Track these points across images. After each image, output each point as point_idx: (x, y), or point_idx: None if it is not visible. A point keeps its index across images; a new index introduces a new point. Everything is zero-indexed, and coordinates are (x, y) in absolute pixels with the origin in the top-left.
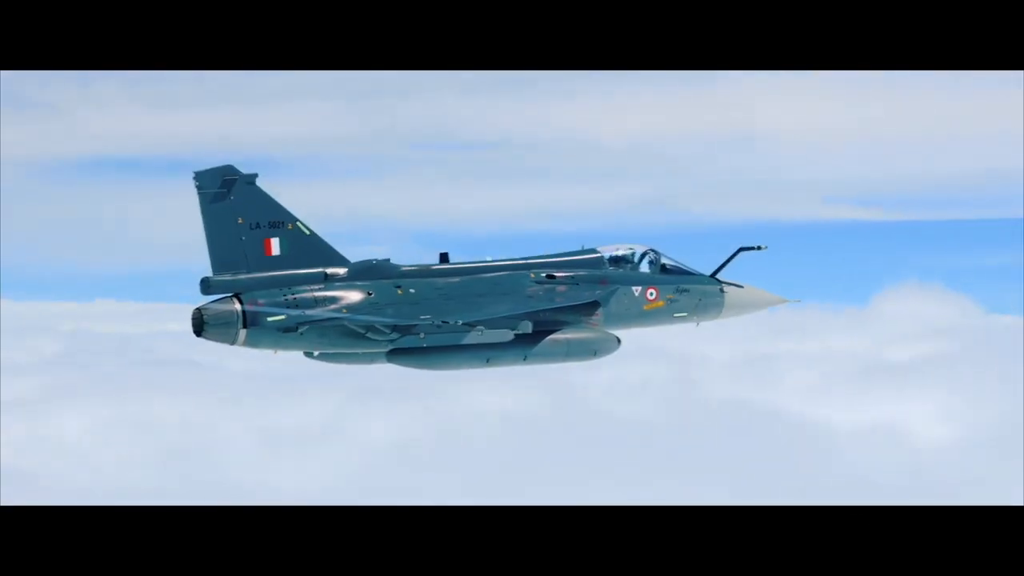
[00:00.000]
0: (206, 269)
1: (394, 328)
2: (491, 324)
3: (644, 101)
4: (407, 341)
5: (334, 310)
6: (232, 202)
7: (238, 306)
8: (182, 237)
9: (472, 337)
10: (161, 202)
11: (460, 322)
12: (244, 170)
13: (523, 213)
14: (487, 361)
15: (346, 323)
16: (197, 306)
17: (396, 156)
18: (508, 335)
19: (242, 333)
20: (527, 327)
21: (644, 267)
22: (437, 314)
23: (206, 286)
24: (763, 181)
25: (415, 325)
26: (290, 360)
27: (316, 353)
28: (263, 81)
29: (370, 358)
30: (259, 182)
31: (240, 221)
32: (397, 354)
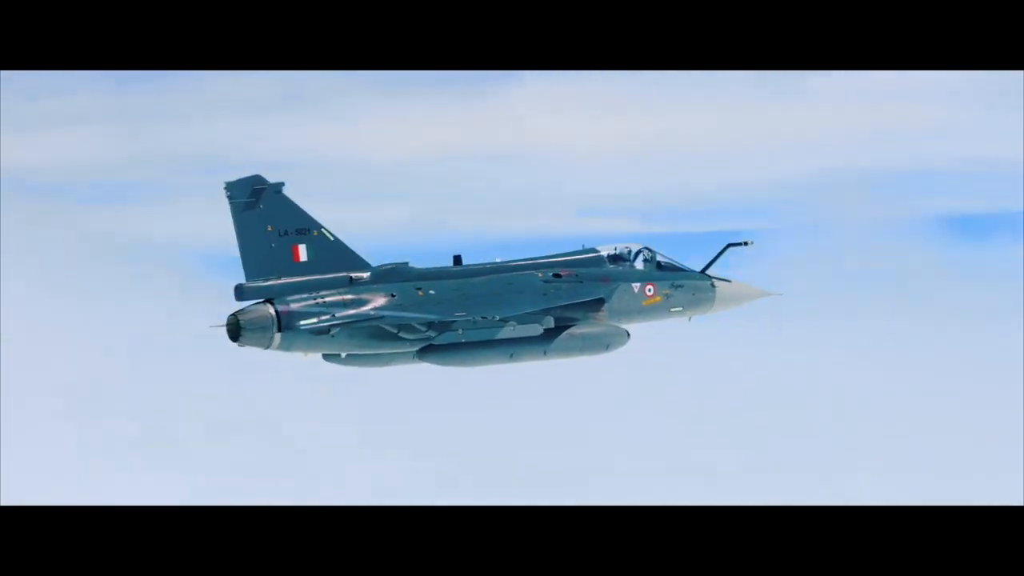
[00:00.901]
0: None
1: (430, 326)
2: (519, 320)
3: (413, 118)
4: (446, 337)
5: (372, 310)
6: (261, 211)
7: (272, 310)
8: None
9: (506, 332)
10: None
11: (497, 317)
12: (271, 179)
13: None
14: (511, 356)
15: (381, 323)
16: (232, 312)
17: (161, 182)
18: (538, 329)
19: (277, 337)
20: (550, 322)
21: (639, 264)
22: (468, 312)
23: (240, 292)
24: (523, 195)
25: (453, 321)
26: None
27: (343, 355)
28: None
29: (400, 358)
30: (285, 191)
31: (270, 229)
32: (428, 352)
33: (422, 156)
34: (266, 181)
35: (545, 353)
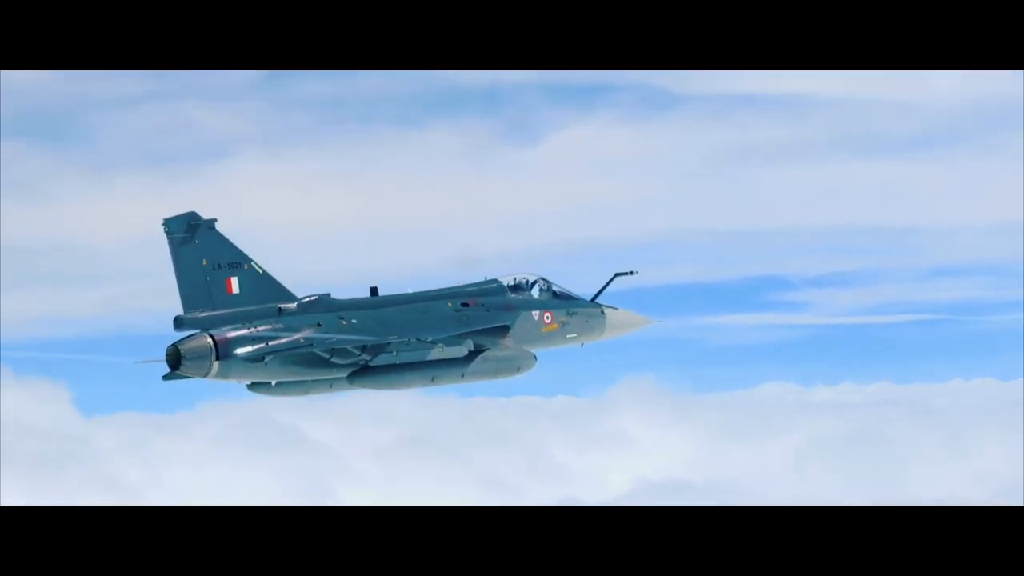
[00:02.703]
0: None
1: (364, 349)
2: (445, 343)
3: (128, 203)
4: (380, 359)
5: (303, 337)
6: (197, 245)
7: (210, 340)
8: None
9: (435, 353)
10: None
11: (429, 339)
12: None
13: (22, 323)
14: (432, 379)
15: (314, 349)
16: (172, 343)
17: None
18: (463, 351)
19: (215, 365)
20: (470, 345)
21: (536, 294)
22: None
23: (178, 323)
24: None
25: (388, 344)
26: None
27: (274, 383)
28: None
29: (328, 385)
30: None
31: (204, 263)
32: (358, 376)
33: (140, 237)
34: (200, 217)
35: (463, 376)
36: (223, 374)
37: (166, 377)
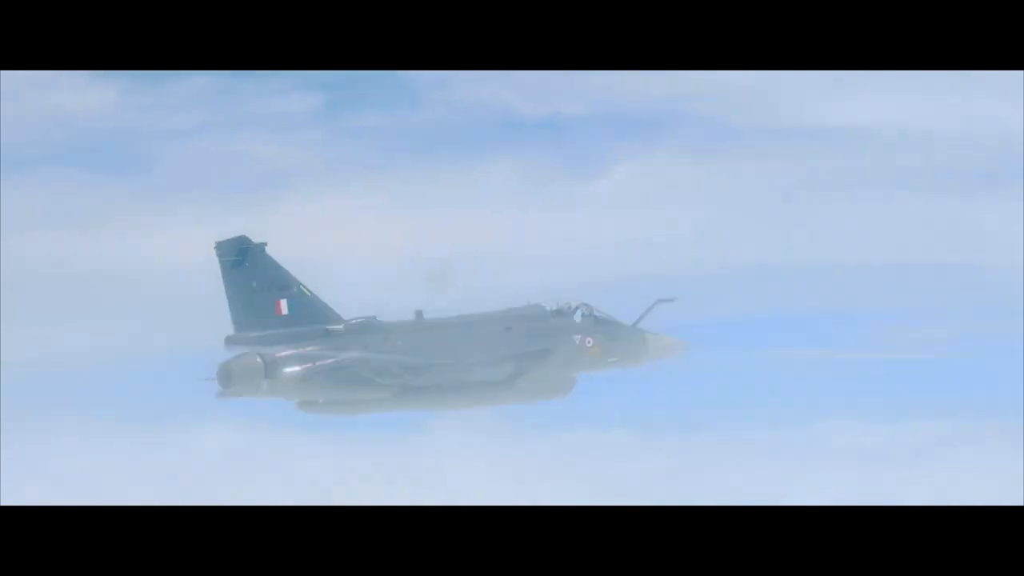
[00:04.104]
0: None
1: (408, 369)
2: (488, 364)
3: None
4: (424, 379)
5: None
6: (247, 268)
7: (260, 359)
8: None
9: (477, 375)
10: None
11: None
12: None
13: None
14: (476, 400)
15: (360, 369)
16: (223, 361)
17: None
18: (504, 373)
19: (265, 383)
20: (511, 368)
21: (579, 319)
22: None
23: (229, 343)
24: None
25: (432, 364)
26: None
27: (321, 401)
28: None
29: (375, 404)
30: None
31: (254, 285)
32: (403, 396)
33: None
34: (251, 241)
35: (505, 398)
36: (272, 392)
37: (219, 395)
